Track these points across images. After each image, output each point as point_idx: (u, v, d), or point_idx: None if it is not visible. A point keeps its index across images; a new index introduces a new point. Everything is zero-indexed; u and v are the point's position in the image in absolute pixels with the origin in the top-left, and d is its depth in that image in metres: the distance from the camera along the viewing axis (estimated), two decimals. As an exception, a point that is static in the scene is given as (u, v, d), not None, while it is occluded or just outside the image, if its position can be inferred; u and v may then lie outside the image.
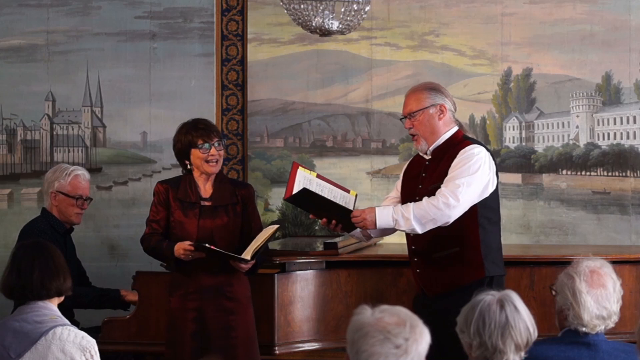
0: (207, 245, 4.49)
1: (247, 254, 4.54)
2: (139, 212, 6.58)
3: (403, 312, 2.58)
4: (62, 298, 3.81)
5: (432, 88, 4.56)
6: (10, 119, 6.69)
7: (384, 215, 4.35)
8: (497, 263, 4.53)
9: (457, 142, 4.51)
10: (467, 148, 4.45)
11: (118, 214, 6.59)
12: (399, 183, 4.71)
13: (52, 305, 3.76)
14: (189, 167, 4.74)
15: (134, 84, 6.62)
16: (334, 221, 4.48)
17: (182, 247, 4.54)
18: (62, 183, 5.29)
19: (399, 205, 4.43)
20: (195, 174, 4.74)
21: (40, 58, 6.65)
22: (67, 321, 3.74)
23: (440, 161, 4.49)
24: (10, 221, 6.58)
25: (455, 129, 4.56)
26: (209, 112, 6.51)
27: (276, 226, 4.65)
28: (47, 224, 5.25)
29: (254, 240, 4.60)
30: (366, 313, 2.57)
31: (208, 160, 4.67)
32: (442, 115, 4.51)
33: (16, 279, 3.74)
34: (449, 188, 4.35)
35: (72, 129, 6.70)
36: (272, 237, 4.71)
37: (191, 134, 4.68)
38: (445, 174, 4.42)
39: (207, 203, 4.71)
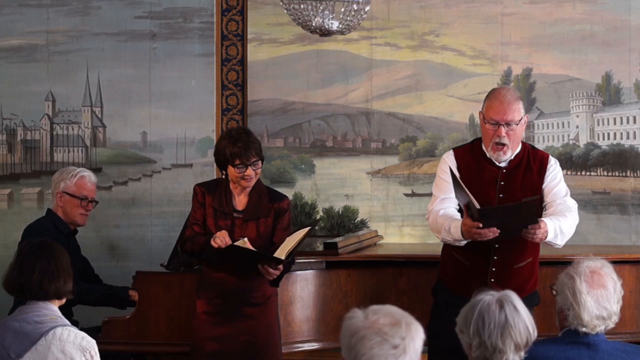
0: (240, 243, 4.40)
1: (279, 254, 4.43)
2: (139, 212, 6.59)
3: (395, 311, 2.57)
4: (63, 300, 3.81)
5: (522, 98, 4.62)
6: (10, 119, 6.69)
7: (550, 229, 4.32)
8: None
9: (532, 152, 4.57)
10: (552, 161, 4.57)
11: (118, 214, 6.59)
12: (447, 187, 4.47)
13: (52, 306, 3.76)
14: (223, 176, 4.70)
15: (134, 84, 6.61)
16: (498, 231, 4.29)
17: (223, 236, 4.46)
18: (67, 184, 5.33)
19: (551, 218, 4.37)
20: (232, 184, 4.67)
21: (40, 58, 6.64)
22: (67, 321, 3.74)
23: (523, 171, 4.51)
24: (10, 221, 6.58)
25: None
26: (209, 112, 6.51)
27: (307, 228, 4.53)
28: (51, 224, 5.29)
29: (284, 242, 4.49)
30: (359, 316, 2.56)
31: (244, 178, 4.59)
32: (524, 127, 4.58)
33: (17, 276, 3.75)
34: (572, 205, 4.47)
35: (72, 129, 6.69)
36: (304, 240, 4.56)
37: (230, 149, 4.56)
38: (534, 186, 4.47)
39: (239, 215, 4.65)
